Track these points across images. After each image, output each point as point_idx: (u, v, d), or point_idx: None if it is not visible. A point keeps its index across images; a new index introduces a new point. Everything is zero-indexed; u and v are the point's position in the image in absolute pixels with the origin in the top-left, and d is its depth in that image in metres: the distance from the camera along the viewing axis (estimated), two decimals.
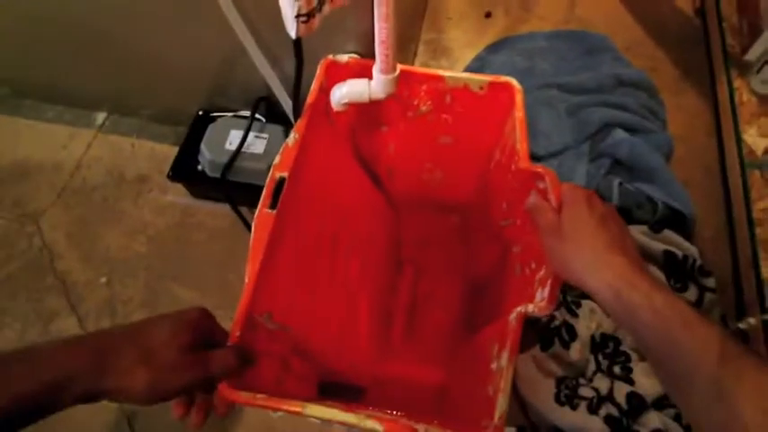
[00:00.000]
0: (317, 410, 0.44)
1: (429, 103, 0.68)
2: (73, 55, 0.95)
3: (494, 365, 0.50)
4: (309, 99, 0.62)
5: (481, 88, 0.62)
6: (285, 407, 0.44)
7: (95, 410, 0.81)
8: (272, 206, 0.54)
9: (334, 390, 0.70)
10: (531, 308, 0.48)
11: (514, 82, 0.60)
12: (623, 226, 0.46)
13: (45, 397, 0.35)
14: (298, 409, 0.44)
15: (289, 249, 0.58)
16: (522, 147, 0.55)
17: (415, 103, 0.69)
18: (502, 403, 0.45)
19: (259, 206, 0.54)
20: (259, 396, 0.44)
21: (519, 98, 0.59)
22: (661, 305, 0.36)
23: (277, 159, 0.56)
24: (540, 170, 0.51)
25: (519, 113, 0.58)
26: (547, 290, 0.47)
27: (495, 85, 0.61)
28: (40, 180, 1.06)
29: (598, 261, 0.41)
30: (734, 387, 0.32)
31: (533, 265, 0.53)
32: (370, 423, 0.43)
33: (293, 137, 0.58)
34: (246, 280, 0.51)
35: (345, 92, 0.62)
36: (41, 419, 0.36)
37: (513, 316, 0.49)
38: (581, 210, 0.45)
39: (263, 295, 0.52)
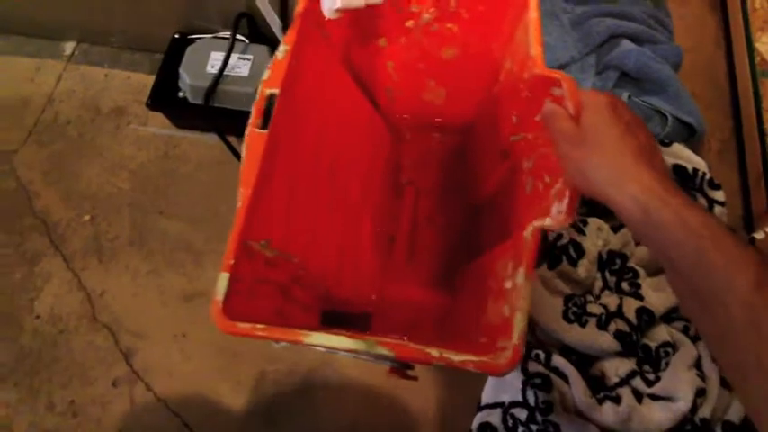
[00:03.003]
0: (321, 338, 0.41)
1: (432, 9, 0.62)
2: None
3: (508, 284, 0.48)
4: (299, 6, 0.56)
5: None
6: (287, 336, 0.42)
7: (91, 349, 0.79)
8: (264, 126, 0.50)
9: (338, 318, 0.68)
10: (548, 221, 0.45)
11: None
12: (651, 136, 0.42)
13: None
14: (299, 338, 0.41)
15: (284, 172, 0.54)
16: (536, 51, 0.51)
17: (416, 10, 0.63)
18: (520, 321, 0.43)
19: (249, 125, 0.49)
20: (259, 326, 0.42)
21: None
22: (693, 223, 0.33)
23: (266, 74, 0.51)
24: (556, 75, 0.46)
25: (533, 14, 0.52)
26: (565, 202, 0.44)
27: None
28: (9, 117, 0.99)
29: (624, 173, 0.37)
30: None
31: (547, 179, 0.50)
32: (380, 349, 0.41)
33: (283, 49, 0.53)
34: (239, 204, 0.47)
35: None
36: None
37: (528, 231, 0.46)
38: (605, 116, 0.40)
39: (259, 221, 0.49)
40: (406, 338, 0.62)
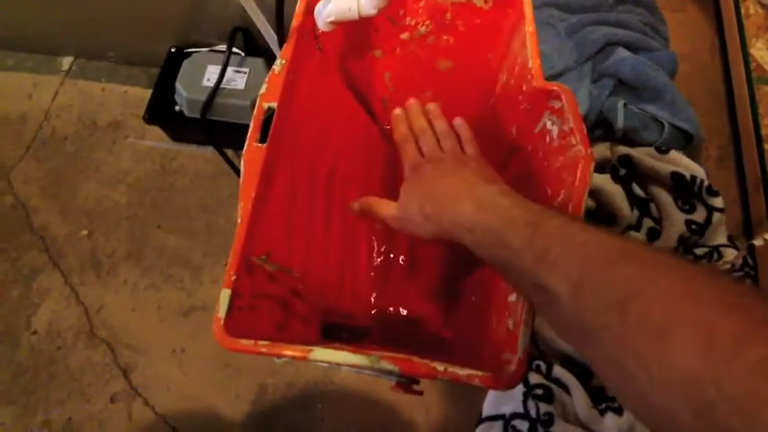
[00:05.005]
0: (326, 354, 0.41)
1: (428, 22, 0.62)
2: None
3: (512, 297, 0.47)
4: (295, 21, 0.56)
5: (486, 2, 0.57)
6: (290, 353, 0.41)
7: (89, 365, 0.78)
8: (262, 140, 0.50)
9: (338, 331, 0.68)
10: None
11: None
12: (450, 154, 0.55)
13: None
14: (303, 355, 0.41)
15: (283, 185, 0.54)
16: (534, 64, 0.51)
17: (412, 23, 0.63)
18: (524, 335, 0.42)
19: (248, 140, 0.49)
20: (261, 343, 0.41)
21: (529, 11, 0.53)
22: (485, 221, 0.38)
23: (264, 88, 0.51)
24: (554, 88, 0.46)
25: (530, 28, 0.53)
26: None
27: None
28: (6, 133, 0.99)
29: (425, 225, 0.45)
30: (546, 268, 0.31)
31: (549, 191, 0.50)
32: (384, 364, 0.41)
33: (279, 63, 0.53)
34: (239, 220, 0.47)
35: (331, 8, 0.56)
36: None
37: None
38: (408, 185, 0.51)
39: (259, 235, 0.48)
40: (407, 353, 0.62)
